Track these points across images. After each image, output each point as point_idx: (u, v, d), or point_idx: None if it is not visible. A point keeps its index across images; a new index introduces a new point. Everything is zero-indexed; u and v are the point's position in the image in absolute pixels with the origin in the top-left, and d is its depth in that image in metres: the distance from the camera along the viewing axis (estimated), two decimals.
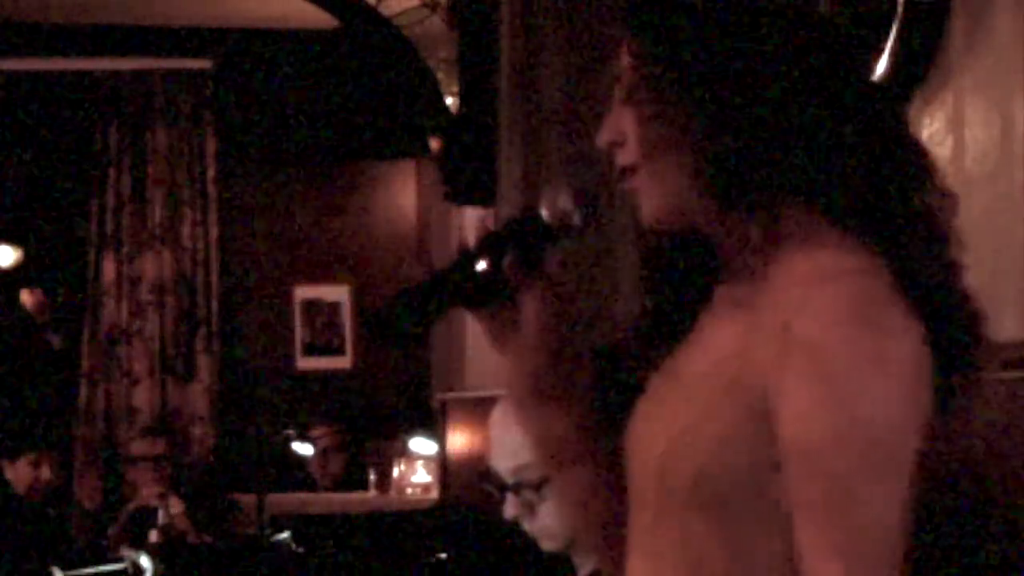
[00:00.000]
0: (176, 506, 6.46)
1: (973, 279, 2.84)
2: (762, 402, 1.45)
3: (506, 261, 1.62)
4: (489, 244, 1.63)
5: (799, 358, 1.42)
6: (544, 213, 1.63)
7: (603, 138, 1.62)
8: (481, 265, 1.63)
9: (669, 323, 1.65)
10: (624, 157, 1.61)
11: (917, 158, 1.57)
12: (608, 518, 1.69)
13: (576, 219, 1.63)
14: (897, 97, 1.60)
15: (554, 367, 1.67)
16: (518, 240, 1.63)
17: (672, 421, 1.55)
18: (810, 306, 1.43)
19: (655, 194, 1.58)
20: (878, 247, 1.49)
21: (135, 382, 7.73)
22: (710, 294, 1.63)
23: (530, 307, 1.65)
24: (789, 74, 1.52)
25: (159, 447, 7.00)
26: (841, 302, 1.43)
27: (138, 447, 7.07)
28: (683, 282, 1.65)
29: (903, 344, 1.44)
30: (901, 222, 1.51)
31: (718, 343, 1.55)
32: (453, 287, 1.64)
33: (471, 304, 1.66)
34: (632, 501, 1.62)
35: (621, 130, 1.61)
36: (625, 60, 1.62)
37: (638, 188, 1.59)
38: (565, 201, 1.63)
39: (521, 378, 1.69)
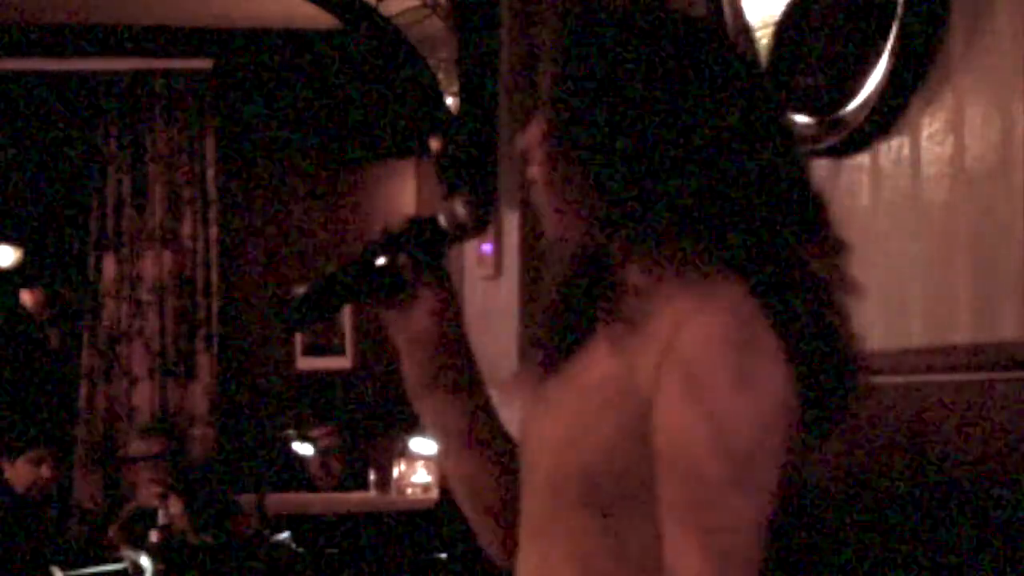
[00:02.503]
0: (176, 506, 6.46)
1: (973, 279, 2.84)
2: (643, 415, 1.58)
3: (401, 258, 1.75)
4: (388, 242, 1.77)
5: (675, 374, 1.55)
6: (440, 218, 1.77)
7: (518, 145, 1.73)
8: (380, 260, 1.75)
9: (571, 329, 1.75)
10: (532, 168, 1.72)
11: (810, 209, 1.68)
12: (495, 506, 1.81)
13: (469, 223, 1.78)
14: (798, 144, 1.74)
15: (445, 359, 1.79)
16: (415, 240, 1.77)
17: (563, 425, 1.67)
18: (688, 328, 1.56)
19: (550, 210, 1.70)
20: (755, 284, 1.60)
21: (135, 382, 7.73)
22: (610, 306, 1.73)
23: (424, 302, 1.77)
24: (695, 117, 1.63)
25: (157, 446, 6.99)
26: (716, 325, 1.56)
27: (136, 447, 7.07)
28: (589, 291, 1.75)
29: (769, 367, 1.56)
30: (782, 267, 1.62)
31: (609, 357, 1.66)
32: (353, 281, 1.76)
33: (371, 297, 1.78)
34: (525, 494, 1.74)
35: (533, 142, 1.71)
36: (547, 75, 1.73)
37: (536, 201, 1.72)
38: (459, 208, 1.77)
39: (413, 368, 1.81)
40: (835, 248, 1.68)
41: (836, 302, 1.66)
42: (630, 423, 1.59)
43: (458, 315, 1.80)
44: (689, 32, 1.69)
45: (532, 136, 1.71)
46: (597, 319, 1.73)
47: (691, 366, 1.54)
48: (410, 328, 1.79)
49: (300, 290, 1.76)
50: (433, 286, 1.78)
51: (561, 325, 1.76)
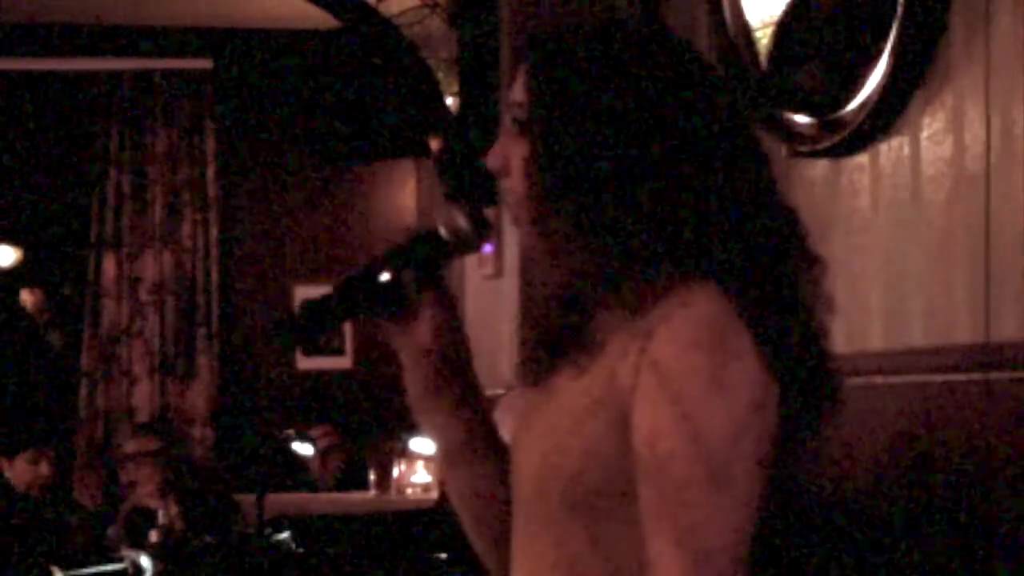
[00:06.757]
0: (175, 506, 6.45)
1: (973, 279, 2.84)
2: (623, 419, 1.61)
3: (405, 273, 1.77)
4: (392, 257, 1.79)
5: (649, 378, 1.59)
6: (442, 230, 1.78)
7: (490, 164, 1.76)
8: (385, 276, 1.78)
9: (558, 341, 1.77)
10: (509, 187, 1.74)
11: (786, 223, 1.70)
12: (492, 518, 1.84)
13: (470, 236, 1.79)
14: (767, 159, 1.73)
15: (447, 373, 1.82)
16: (417, 254, 1.79)
17: (547, 434, 1.70)
18: (662, 332, 1.60)
19: (530, 232, 1.72)
20: (728, 288, 1.63)
21: (135, 382, 7.73)
22: (592, 318, 1.74)
23: (426, 317, 1.80)
24: (673, 136, 1.65)
25: (152, 444, 6.98)
26: (687, 329, 1.60)
27: (132, 445, 7.06)
28: (574, 305, 1.77)
29: (741, 369, 1.59)
30: (755, 272, 1.65)
31: (592, 366, 1.69)
32: (356, 297, 1.79)
33: (374, 313, 1.80)
34: (516, 506, 1.77)
35: (507, 160, 1.74)
36: (520, 91, 1.72)
37: (517, 222, 1.74)
38: (461, 220, 1.79)
39: (415, 381, 1.83)
40: (811, 261, 1.70)
41: (811, 306, 1.68)
42: (611, 428, 1.62)
43: (460, 330, 1.83)
44: (658, 49, 1.70)
45: (507, 152, 1.73)
46: (579, 332, 1.75)
47: (665, 369, 1.58)
48: (413, 343, 1.81)
49: (303, 304, 1.79)
50: (435, 301, 1.80)
51: (545, 341, 1.78)
